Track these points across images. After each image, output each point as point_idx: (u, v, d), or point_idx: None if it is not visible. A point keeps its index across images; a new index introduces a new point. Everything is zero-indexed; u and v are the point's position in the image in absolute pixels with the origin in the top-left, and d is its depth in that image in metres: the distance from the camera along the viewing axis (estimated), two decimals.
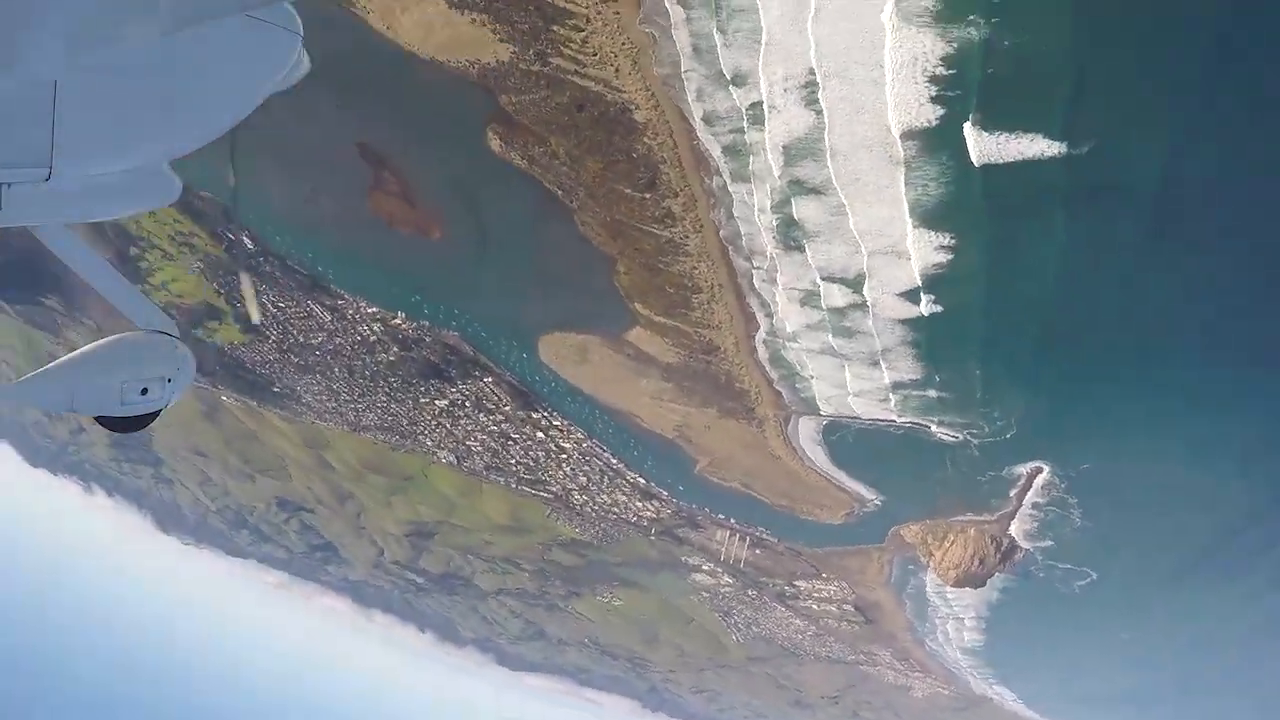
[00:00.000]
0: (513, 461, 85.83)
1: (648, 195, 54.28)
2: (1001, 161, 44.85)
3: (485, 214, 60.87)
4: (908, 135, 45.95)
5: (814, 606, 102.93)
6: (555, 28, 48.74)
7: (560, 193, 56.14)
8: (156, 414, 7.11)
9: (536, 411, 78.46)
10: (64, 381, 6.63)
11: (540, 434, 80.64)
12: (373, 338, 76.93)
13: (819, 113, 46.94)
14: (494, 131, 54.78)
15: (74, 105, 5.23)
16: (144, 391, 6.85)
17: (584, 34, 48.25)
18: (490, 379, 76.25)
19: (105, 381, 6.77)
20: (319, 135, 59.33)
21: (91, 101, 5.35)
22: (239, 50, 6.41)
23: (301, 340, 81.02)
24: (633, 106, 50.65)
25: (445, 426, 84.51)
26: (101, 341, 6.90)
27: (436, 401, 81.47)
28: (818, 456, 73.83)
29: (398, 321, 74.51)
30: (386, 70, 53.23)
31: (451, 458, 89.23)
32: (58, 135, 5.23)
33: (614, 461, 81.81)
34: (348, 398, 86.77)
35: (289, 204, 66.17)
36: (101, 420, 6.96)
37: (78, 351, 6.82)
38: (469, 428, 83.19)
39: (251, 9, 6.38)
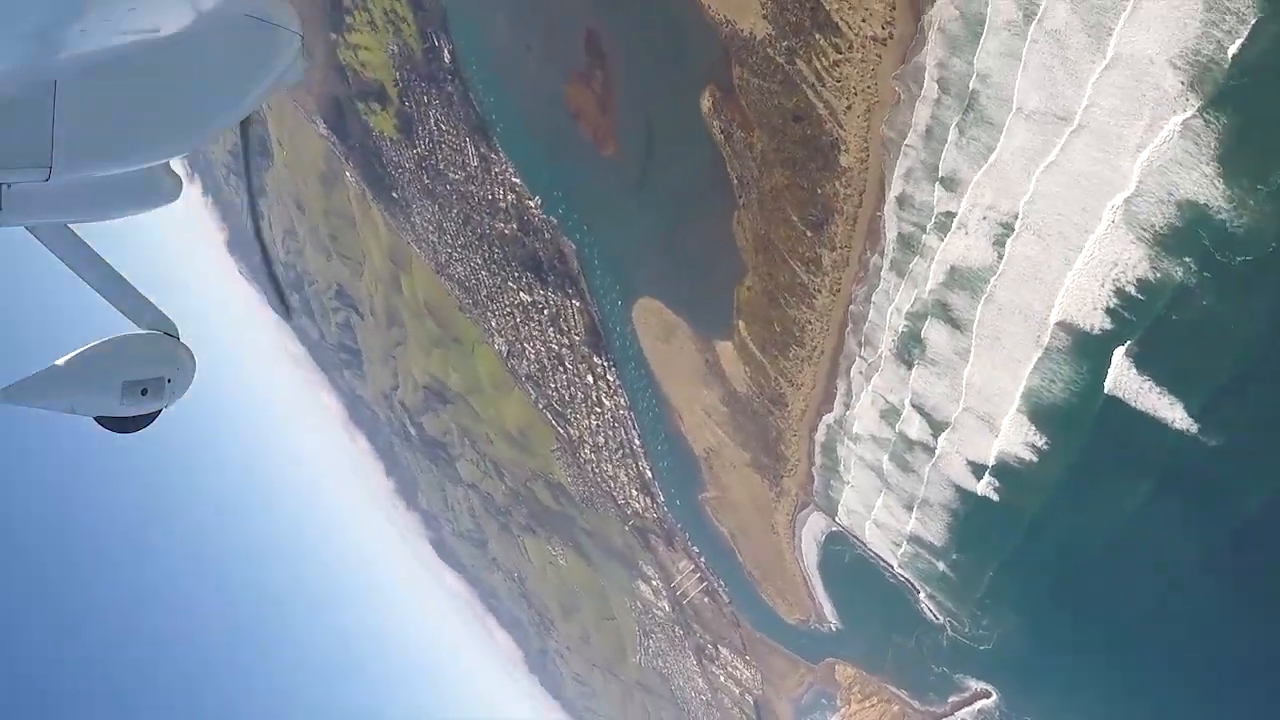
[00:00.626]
0: (553, 386, 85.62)
1: (810, 233, 53.06)
2: (1131, 404, 42.73)
3: (659, 160, 60.23)
4: (1064, 326, 44.04)
5: (722, 678, 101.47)
6: (818, 35, 47.56)
7: (736, 183, 55.15)
8: (157, 414, 7.07)
9: (599, 357, 77.95)
10: (64, 381, 6.63)
11: (590, 377, 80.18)
12: (502, 204, 77.00)
13: (1000, 256, 45.22)
14: (711, 93, 53.95)
15: (74, 105, 5.25)
16: (144, 392, 6.82)
17: (840, 57, 47.00)
18: (578, 303, 75.88)
19: (105, 382, 6.75)
20: (562, 2, 59.22)
21: (91, 101, 5.36)
22: (239, 50, 6.43)
23: (441, 168, 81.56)
24: (843, 148, 49.35)
25: (515, 319, 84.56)
26: (101, 341, 6.87)
27: (521, 294, 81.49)
28: (809, 554, 72.34)
29: (531, 204, 74.42)
30: None
31: (504, 348, 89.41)
32: (57, 135, 5.22)
33: (637, 442, 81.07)
34: (450, 240, 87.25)
35: (502, 46, 66.29)
36: (102, 420, 6.91)
37: (77, 351, 6.74)
38: (534, 332, 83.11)
39: (252, 9, 6.36)
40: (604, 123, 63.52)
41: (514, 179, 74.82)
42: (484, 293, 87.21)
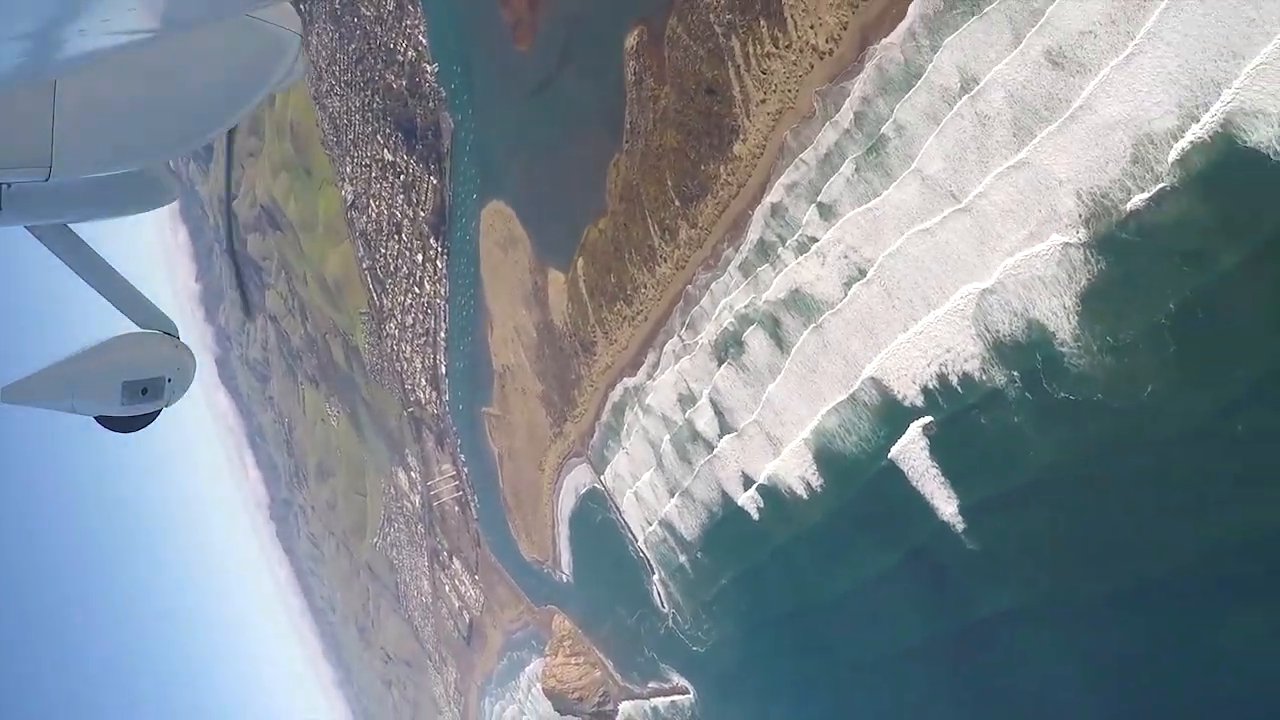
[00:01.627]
0: (383, 251, 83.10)
1: (678, 203, 52.57)
2: (910, 479, 44.04)
3: (565, 76, 58.50)
4: (876, 383, 45.00)
5: (447, 588, 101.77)
6: (763, 22, 46.72)
7: (628, 127, 54.07)
8: (157, 414, 7.05)
9: (436, 240, 75.91)
10: (64, 381, 6.58)
11: (420, 257, 78.09)
12: (400, 57, 73.60)
13: (844, 295, 45.77)
14: (640, 33, 52.52)
15: (73, 106, 5.22)
16: (144, 391, 6.77)
17: (775, 51, 46.36)
18: (435, 181, 73.48)
19: (105, 381, 6.70)
20: None
21: (91, 102, 5.34)
22: (238, 50, 6.36)
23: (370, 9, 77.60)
24: (742, 137, 48.87)
25: (371, 173, 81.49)
26: (102, 341, 6.85)
27: (386, 151, 78.43)
28: (565, 502, 72.71)
29: (428, 69, 71.36)
30: None
31: (350, 197, 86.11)
32: (57, 136, 5.20)
33: (442, 335, 79.62)
34: (338, 74, 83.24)
35: None
36: (102, 420, 6.90)
37: (78, 351, 6.70)
38: (384, 192, 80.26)
39: (252, 9, 6.28)
40: (528, 17, 61.22)
41: (421, 38, 71.49)
42: (351, 136, 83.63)
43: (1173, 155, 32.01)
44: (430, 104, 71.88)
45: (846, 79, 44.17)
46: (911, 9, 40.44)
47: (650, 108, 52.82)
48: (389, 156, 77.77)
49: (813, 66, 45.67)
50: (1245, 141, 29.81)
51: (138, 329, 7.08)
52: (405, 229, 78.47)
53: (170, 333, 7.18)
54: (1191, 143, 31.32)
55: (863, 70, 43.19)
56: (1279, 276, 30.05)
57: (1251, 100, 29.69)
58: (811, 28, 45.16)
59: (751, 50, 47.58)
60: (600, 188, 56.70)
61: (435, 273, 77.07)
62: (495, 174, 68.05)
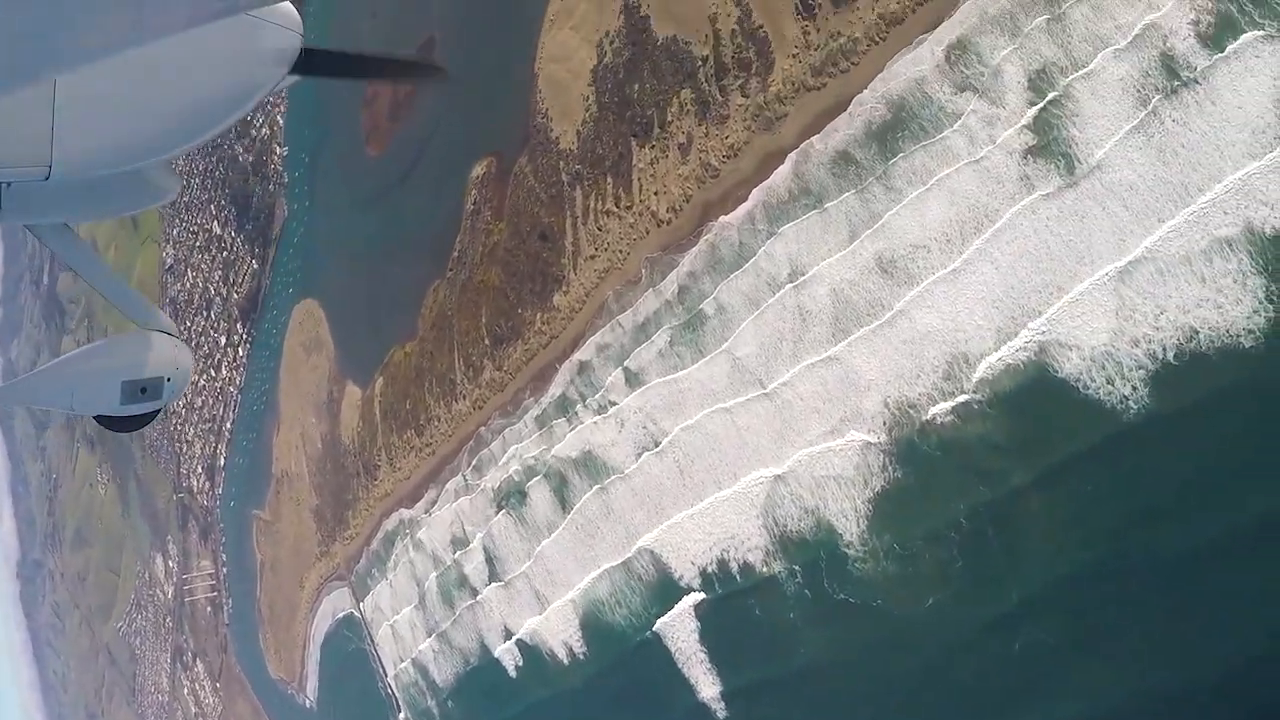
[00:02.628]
0: (189, 323, 78.80)
1: (488, 341, 51.27)
2: (673, 655, 42.71)
3: (407, 191, 57.37)
4: (653, 556, 44.03)
5: (186, 689, 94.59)
6: (609, 180, 46.54)
7: (455, 255, 52.99)
8: (156, 413, 7.00)
9: (244, 326, 72.54)
10: (63, 381, 6.62)
11: (224, 339, 74.57)
12: (255, 132, 71.36)
13: (635, 463, 44.96)
14: (488, 164, 52.04)
15: (73, 105, 5.25)
16: (143, 391, 6.77)
17: (614, 210, 46.12)
18: (256, 266, 70.66)
19: (104, 381, 6.69)
20: None
21: (90, 101, 5.36)
22: (239, 49, 6.36)
23: None
24: (565, 288, 48.21)
25: (196, 240, 78.58)
26: (101, 341, 6.97)
27: (215, 223, 75.56)
28: (321, 624, 68.59)
29: (277, 150, 69.24)
30: (512, 40, 50.87)
31: (169, 260, 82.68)
32: (57, 135, 5.23)
33: (228, 426, 75.48)
34: None
35: None
36: (101, 419, 6.89)
37: (77, 350, 6.78)
38: (203, 265, 77.16)
39: (252, 8, 6.28)
40: (386, 125, 60.21)
41: (280, 118, 69.59)
42: (186, 198, 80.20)
43: (982, 374, 32.62)
44: (271, 186, 69.54)
45: (679, 250, 44.15)
46: (755, 194, 40.96)
47: (482, 240, 51.83)
48: (218, 229, 74.65)
49: (648, 232, 45.55)
50: (1055, 371, 30.68)
51: (137, 329, 6.99)
52: (216, 307, 74.83)
53: (169, 332, 7.10)
54: (1004, 365, 32.00)
55: (696, 245, 43.28)
56: (1067, 500, 30.62)
57: (1066, 332, 30.61)
58: (655, 194, 45.18)
59: (593, 204, 47.31)
60: (415, 310, 55.03)
61: (235, 359, 73.35)
62: (316, 273, 65.68)
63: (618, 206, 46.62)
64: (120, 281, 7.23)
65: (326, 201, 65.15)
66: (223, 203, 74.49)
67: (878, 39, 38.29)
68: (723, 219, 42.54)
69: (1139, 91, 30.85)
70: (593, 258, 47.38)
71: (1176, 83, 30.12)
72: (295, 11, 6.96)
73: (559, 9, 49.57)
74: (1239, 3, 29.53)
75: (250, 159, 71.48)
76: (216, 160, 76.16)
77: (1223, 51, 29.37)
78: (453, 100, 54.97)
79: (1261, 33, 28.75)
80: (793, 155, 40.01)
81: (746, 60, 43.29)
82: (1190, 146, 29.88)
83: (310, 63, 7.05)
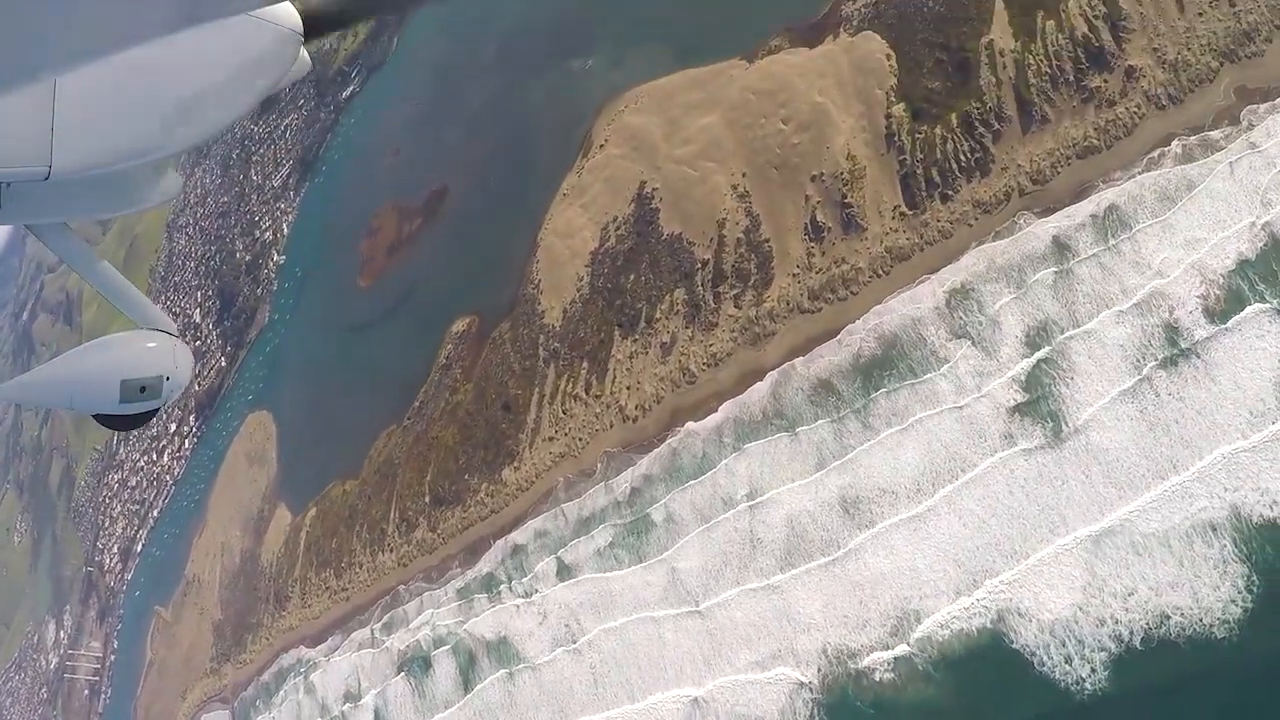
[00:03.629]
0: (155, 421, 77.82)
1: (428, 499, 50.34)
2: None
3: (386, 328, 57.43)
4: None
5: None
6: (584, 364, 46.49)
7: (416, 405, 52.55)
8: (155, 412, 6.93)
9: (196, 419, 71.74)
10: (62, 380, 6.63)
11: (174, 427, 73.41)
12: (259, 234, 72.46)
13: (546, 657, 43.71)
14: (469, 323, 52.23)
15: (73, 104, 5.20)
16: (142, 390, 6.63)
17: (583, 395, 45.89)
18: (224, 363, 70.40)
19: (103, 380, 6.60)
20: (451, 139, 58.19)
21: (91, 100, 5.31)
22: (239, 49, 6.34)
23: (253, 158, 77.30)
24: (516, 464, 47.60)
25: (175, 323, 76.76)
26: (100, 340, 6.80)
27: (197, 310, 75.86)
28: None
29: (275, 257, 69.72)
30: (521, 206, 51.45)
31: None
32: (57, 134, 5.19)
33: (155, 514, 73.55)
34: (199, 216, 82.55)
35: (386, 126, 64.04)
36: (100, 418, 6.81)
37: (76, 349, 6.62)
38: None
39: (252, 8, 6.24)
40: (381, 260, 60.62)
41: (285, 226, 70.31)
42: (177, 279, 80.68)
43: (930, 631, 31.85)
44: (259, 290, 69.71)
45: (639, 450, 43.71)
46: (728, 406, 40.70)
47: (446, 396, 51.43)
48: (197, 318, 74.54)
49: (612, 425, 45.17)
50: (1010, 641, 29.92)
51: (136, 328, 6.84)
52: (178, 407, 74.25)
53: (168, 331, 6.86)
54: (956, 625, 31.18)
55: (658, 448, 42.79)
56: None
57: (1028, 600, 29.90)
58: (628, 388, 44.99)
59: (563, 385, 47.08)
60: (364, 449, 54.23)
61: (179, 449, 72.12)
62: (279, 387, 65.11)
63: (587, 394, 46.33)
64: (120, 281, 7.05)
65: (308, 319, 65.10)
66: (210, 292, 74.56)
67: (881, 272, 38.92)
68: (690, 425, 42.27)
69: (1137, 357, 31.04)
70: (551, 439, 46.84)
71: (1175, 351, 30.34)
72: (294, 10, 6.89)
73: (574, 185, 50.57)
74: (1250, 279, 29.93)
75: (248, 258, 71.84)
76: (216, 250, 76.65)
77: (1225, 324, 29.60)
78: (451, 255, 55.44)
79: (1266, 305, 28.94)
80: (773, 374, 40.16)
81: (746, 271, 43.99)
82: (1182, 421, 29.85)
83: (316, 27, 6.94)
